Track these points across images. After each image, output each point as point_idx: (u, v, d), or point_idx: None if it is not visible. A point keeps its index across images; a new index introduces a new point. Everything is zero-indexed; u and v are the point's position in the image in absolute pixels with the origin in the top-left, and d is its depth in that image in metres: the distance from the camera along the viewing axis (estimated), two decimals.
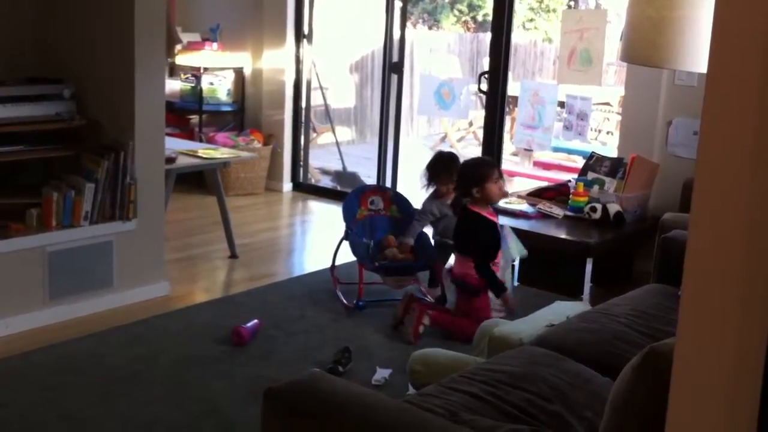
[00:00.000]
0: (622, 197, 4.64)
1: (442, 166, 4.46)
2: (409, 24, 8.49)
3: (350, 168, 7.44)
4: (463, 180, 4.00)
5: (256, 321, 3.86)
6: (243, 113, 6.87)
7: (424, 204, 4.47)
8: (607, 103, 8.08)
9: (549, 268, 4.56)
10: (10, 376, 3.30)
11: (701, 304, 0.86)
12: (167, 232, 4.53)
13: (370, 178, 6.85)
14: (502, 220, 4.71)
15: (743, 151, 0.82)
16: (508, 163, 7.58)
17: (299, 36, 6.66)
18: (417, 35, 10.19)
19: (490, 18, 5.76)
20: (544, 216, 4.78)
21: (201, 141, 6.23)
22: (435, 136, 9.73)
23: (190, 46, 6.66)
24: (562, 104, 5.62)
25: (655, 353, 1.55)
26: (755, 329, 0.87)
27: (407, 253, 4.33)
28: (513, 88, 6.20)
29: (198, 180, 6.19)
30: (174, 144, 4.96)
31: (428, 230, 4.59)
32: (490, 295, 4.00)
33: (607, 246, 4.51)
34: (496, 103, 5.56)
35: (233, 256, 4.99)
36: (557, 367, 2.35)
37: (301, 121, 6.85)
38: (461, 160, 4.40)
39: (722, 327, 0.84)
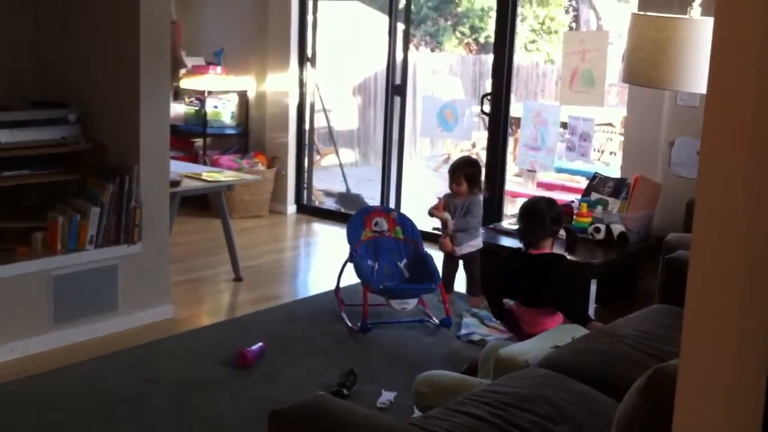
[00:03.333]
0: (626, 217, 4.64)
1: (456, 168, 4.62)
2: (411, 46, 8.53)
3: (354, 190, 7.46)
4: (545, 223, 3.57)
5: (260, 344, 3.85)
6: (247, 136, 6.90)
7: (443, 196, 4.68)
8: (610, 124, 8.10)
9: None
10: (16, 399, 3.30)
11: (704, 324, 0.86)
12: (172, 255, 4.53)
13: (373, 199, 6.86)
14: (505, 242, 4.73)
15: (743, 171, 0.83)
16: (511, 184, 7.58)
17: (303, 59, 6.70)
18: (419, 57, 10.24)
19: (492, 40, 5.80)
20: None
21: (205, 164, 6.26)
22: (438, 157, 9.75)
23: (195, 70, 6.70)
24: (564, 125, 5.63)
25: (661, 374, 1.55)
26: (758, 349, 0.87)
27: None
28: (515, 109, 6.22)
29: (202, 203, 6.21)
30: (178, 167, 4.98)
31: (433, 251, 4.60)
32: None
33: (611, 266, 4.51)
34: (499, 125, 5.58)
35: (238, 278, 4.99)
36: (563, 388, 2.35)
37: (304, 144, 6.87)
38: (478, 164, 4.70)
39: (725, 347, 0.85)
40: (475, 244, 4.58)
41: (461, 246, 4.56)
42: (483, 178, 4.76)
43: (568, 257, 3.87)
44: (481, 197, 4.69)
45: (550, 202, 3.71)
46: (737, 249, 0.84)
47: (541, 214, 3.57)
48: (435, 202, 4.65)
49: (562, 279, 3.54)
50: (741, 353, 0.85)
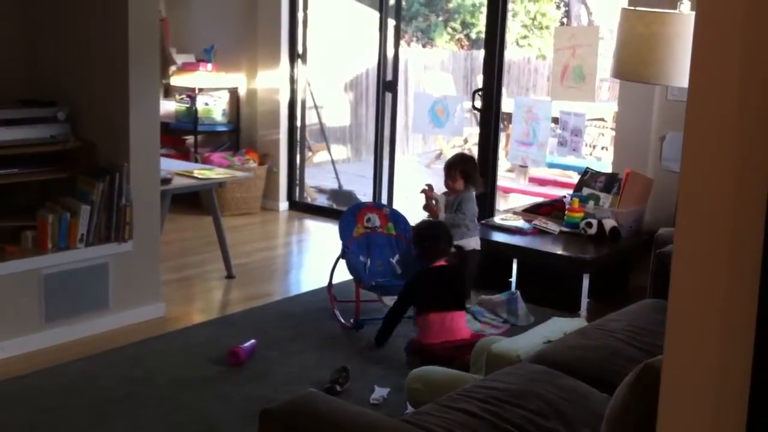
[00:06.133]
0: (618, 212, 4.65)
1: (450, 164, 4.54)
2: (402, 42, 8.51)
3: (346, 186, 7.45)
4: (445, 241, 4.02)
5: (252, 341, 3.85)
6: (238, 133, 6.88)
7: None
8: (602, 119, 8.12)
9: (545, 284, 4.56)
10: (7, 399, 3.29)
11: (687, 318, 0.86)
12: (163, 252, 4.52)
13: (365, 196, 6.85)
14: (498, 237, 4.73)
15: (726, 165, 0.82)
16: (503, 179, 7.59)
17: (293, 56, 6.69)
18: (411, 53, 10.23)
19: (483, 35, 5.79)
20: (540, 232, 4.79)
21: (196, 161, 6.24)
22: (430, 153, 9.75)
23: (185, 67, 6.68)
24: (556, 120, 5.64)
25: (650, 370, 1.55)
26: (741, 341, 0.87)
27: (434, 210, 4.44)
28: (507, 104, 6.22)
29: (194, 200, 6.19)
30: (169, 165, 4.96)
31: None
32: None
33: (603, 261, 4.51)
34: (491, 120, 5.58)
35: (229, 276, 4.98)
36: (555, 384, 2.35)
37: (296, 140, 6.86)
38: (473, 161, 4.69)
39: (708, 339, 0.85)
40: (466, 243, 4.48)
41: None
42: (478, 174, 4.65)
43: None
44: (474, 193, 4.59)
45: (443, 225, 4.17)
46: (720, 243, 0.84)
47: (438, 237, 4.01)
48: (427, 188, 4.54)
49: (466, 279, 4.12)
50: (725, 348, 0.85)
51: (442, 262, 3.97)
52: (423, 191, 4.47)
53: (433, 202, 4.41)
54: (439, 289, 3.88)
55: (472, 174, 4.49)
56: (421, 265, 4.02)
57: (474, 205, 4.50)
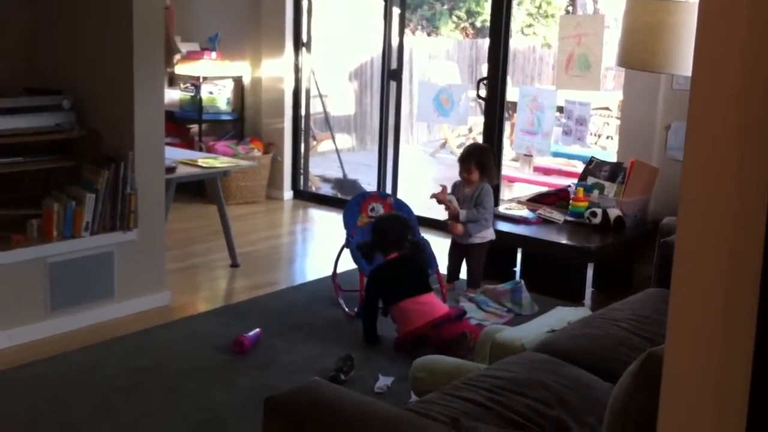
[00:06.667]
0: (622, 202, 4.64)
1: (466, 155, 4.49)
2: (407, 31, 8.50)
3: (350, 175, 7.45)
4: (404, 236, 4.06)
5: (257, 330, 3.86)
6: (242, 122, 6.88)
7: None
8: (607, 108, 8.09)
9: (550, 274, 4.56)
10: (12, 387, 3.30)
11: (688, 307, 0.86)
12: (168, 241, 4.53)
13: (370, 185, 6.86)
14: (502, 226, 4.73)
15: (729, 154, 0.82)
16: (508, 168, 7.58)
17: (298, 44, 6.68)
18: (415, 42, 10.21)
19: (488, 24, 5.77)
20: (544, 221, 4.79)
21: (201, 150, 6.24)
22: (435, 142, 9.74)
23: (189, 56, 6.68)
24: (561, 109, 5.63)
25: (654, 358, 1.55)
26: (743, 330, 0.87)
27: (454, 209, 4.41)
28: (512, 93, 6.20)
29: (198, 189, 6.20)
30: (174, 153, 4.96)
31: (430, 237, 4.59)
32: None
33: (607, 251, 4.51)
34: (495, 109, 5.57)
35: (234, 264, 4.99)
36: (559, 373, 2.35)
37: (300, 129, 6.86)
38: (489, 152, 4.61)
39: (709, 328, 0.85)
40: (485, 235, 4.45)
41: (471, 237, 4.43)
42: (493, 164, 4.59)
43: None
44: (490, 186, 4.48)
45: (404, 220, 4.18)
46: (723, 234, 0.84)
47: (399, 232, 4.05)
48: (438, 189, 4.47)
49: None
50: (726, 337, 0.85)
51: (395, 255, 3.99)
52: (434, 196, 4.45)
53: (449, 203, 4.41)
54: (403, 277, 3.91)
55: (488, 165, 4.46)
56: (374, 260, 4.05)
57: (492, 198, 4.48)
